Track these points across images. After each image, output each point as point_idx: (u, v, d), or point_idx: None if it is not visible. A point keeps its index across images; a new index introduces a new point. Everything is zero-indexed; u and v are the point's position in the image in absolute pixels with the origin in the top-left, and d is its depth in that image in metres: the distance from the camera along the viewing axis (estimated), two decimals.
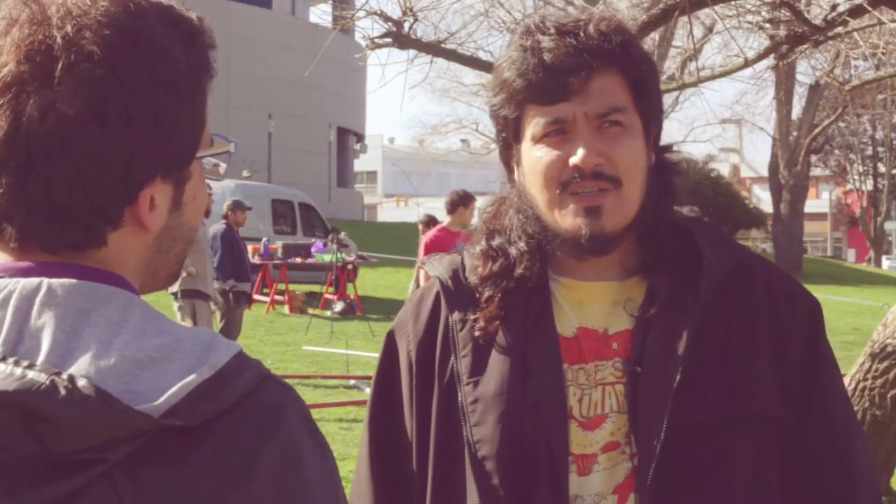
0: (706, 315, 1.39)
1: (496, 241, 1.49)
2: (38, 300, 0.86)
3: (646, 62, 1.42)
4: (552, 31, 1.39)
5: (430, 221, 12.88)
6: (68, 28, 0.88)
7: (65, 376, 0.81)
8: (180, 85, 0.92)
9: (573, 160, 1.36)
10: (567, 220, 1.39)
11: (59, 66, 0.86)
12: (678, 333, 1.37)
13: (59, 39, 0.87)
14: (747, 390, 1.37)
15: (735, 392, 1.37)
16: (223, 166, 1.05)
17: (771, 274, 1.47)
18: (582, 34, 1.37)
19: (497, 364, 1.43)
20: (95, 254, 0.92)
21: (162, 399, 0.82)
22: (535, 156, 1.41)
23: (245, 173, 23.19)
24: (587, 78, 1.36)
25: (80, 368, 0.83)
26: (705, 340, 1.38)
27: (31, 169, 0.87)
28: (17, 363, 0.82)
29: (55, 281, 0.87)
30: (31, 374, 0.81)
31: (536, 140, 1.40)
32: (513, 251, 1.47)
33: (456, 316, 1.47)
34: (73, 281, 0.88)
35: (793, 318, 1.43)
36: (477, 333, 1.44)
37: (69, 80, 0.86)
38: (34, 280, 0.88)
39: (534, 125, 1.40)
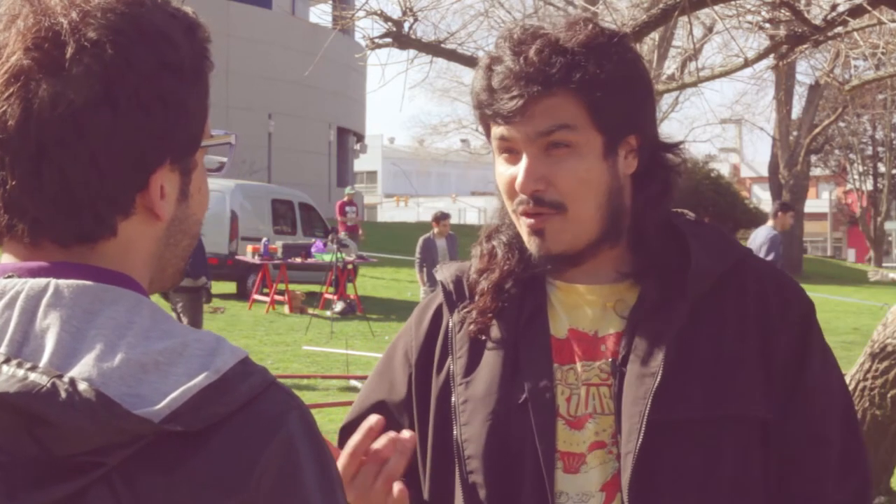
0: (695, 317, 1.40)
1: (492, 238, 1.54)
2: (44, 301, 0.86)
3: (605, 76, 1.36)
4: (508, 50, 1.39)
5: (442, 217, 12.85)
6: (73, 15, 0.88)
7: (66, 379, 0.81)
8: (185, 69, 0.92)
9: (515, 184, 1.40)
10: (524, 237, 1.45)
11: (68, 52, 0.87)
12: (663, 336, 1.38)
13: (65, 25, 0.88)
14: (731, 391, 1.38)
15: (718, 393, 1.38)
16: (224, 160, 1.05)
17: (765, 275, 1.47)
18: (521, 59, 1.36)
19: (488, 364, 1.46)
20: (106, 246, 0.92)
21: (163, 403, 0.82)
22: (497, 169, 1.45)
23: (351, 188, 22.49)
24: (528, 103, 1.36)
25: (83, 371, 0.82)
26: (692, 342, 1.39)
27: (43, 157, 0.87)
28: (20, 365, 0.82)
29: (63, 282, 0.87)
30: (32, 376, 0.81)
31: (498, 153, 1.44)
32: (497, 245, 1.51)
33: (455, 318, 1.51)
34: (81, 282, 0.88)
35: (782, 319, 1.43)
36: (472, 328, 1.48)
37: (78, 66, 0.86)
38: (42, 280, 0.87)
39: (493, 138, 1.44)
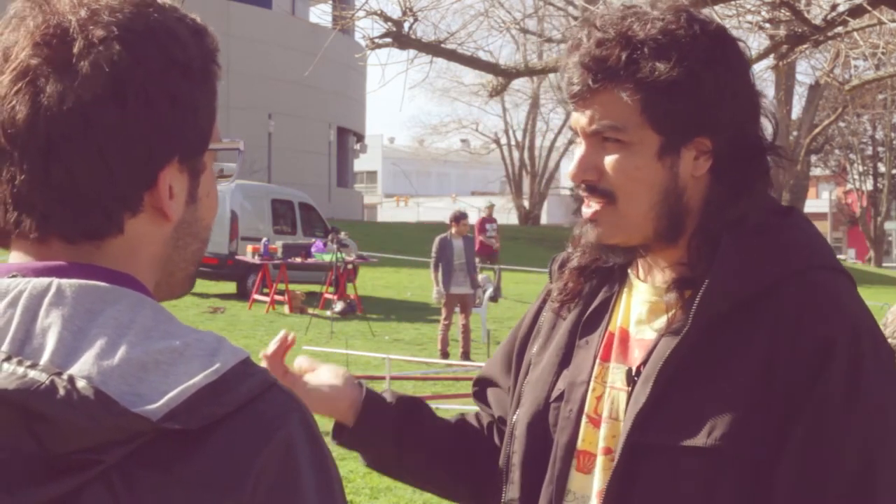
0: (707, 339, 1.32)
1: None
2: (46, 300, 0.86)
3: (668, 75, 1.31)
4: (585, 34, 1.37)
5: (461, 217, 12.64)
6: (82, 13, 0.89)
7: (65, 377, 0.81)
8: (193, 68, 0.93)
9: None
10: (586, 223, 1.44)
11: (76, 48, 0.87)
12: (666, 355, 1.33)
13: (73, 23, 0.88)
14: (719, 424, 1.29)
15: (704, 423, 1.29)
16: (233, 166, 1.06)
17: (793, 304, 1.31)
18: (587, 46, 1.35)
19: (549, 350, 1.51)
20: (112, 245, 0.92)
21: (161, 402, 0.82)
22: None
23: (489, 201, 19.39)
24: (585, 93, 1.35)
25: (82, 369, 0.83)
26: (694, 366, 1.32)
27: (52, 153, 0.87)
28: (20, 362, 0.82)
29: (65, 281, 0.87)
30: (32, 373, 0.81)
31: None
32: None
33: (549, 302, 1.57)
34: (84, 281, 0.88)
35: (791, 351, 1.28)
36: (553, 304, 1.53)
37: (86, 62, 0.87)
38: (45, 280, 0.88)
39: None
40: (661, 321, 1.39)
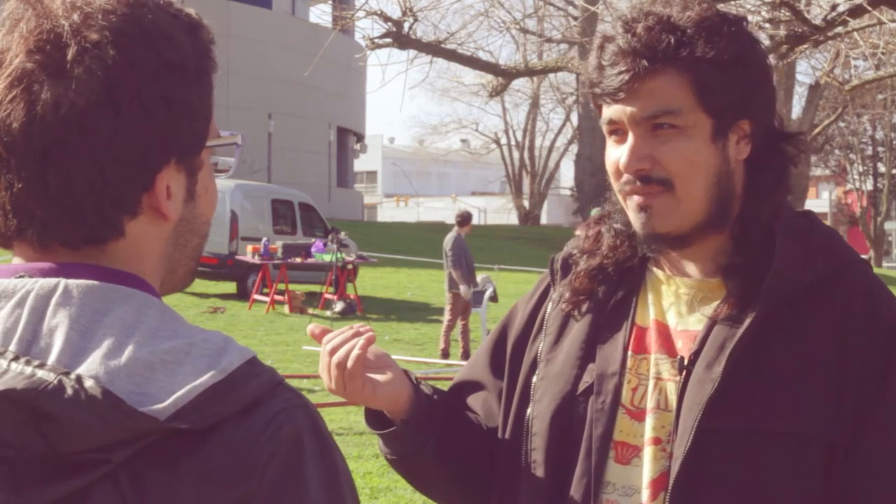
0: (772, 325, 1.35)
1: (601, 223, 1.53)
2: (53, 300, 0.87)
3: (714, 55, 1.34)
4: (621, 28, 1.37)
5: (470, 217, 12.56)
6: (75, 17, 0.89)
7: (73, 376, 0.81)
8: (188, 69, 0.93)
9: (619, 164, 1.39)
10: (631, 216, 1.42)
11: (70, 53, 0.87)
12: (731, 341, 1.35)
13: (67, 28, 0.88)
14: (793, 407, 1.32)
15: (778, 407, 1.32)
16: (232, 161, 1.06)
17: (858, 288, 1.38)
18: (631, 35, 1.35)
19: (568, 345, 1.48)
20: (115, 247, 0.92)
21: (168, 402, 0.83)
22: (606, 151, 1.44)
23: (600, 208, 19.31)
24: (636, 80, 1.35)
25: (90, 369, 0.83)
26: (762, 351, 1.34)
27: (48, 159, 0.87)
28: (28, 362, 0.82)
29: (72, 281, 0.88)
30: (40, 373, 0.81)
31: (607, 135, 1.43)
32: (606, 230, 1.51)
33: (555, 295, 1.54)
34: (91, 282, 0.89)
35: (864, 337, 1.34)
36: (563, 306, 1.50)
37: (81, 67, 0.87)
38: (52, 280, 0.88)
39: (602, 122, 1.43)
40: (707, 311, 1.40)
